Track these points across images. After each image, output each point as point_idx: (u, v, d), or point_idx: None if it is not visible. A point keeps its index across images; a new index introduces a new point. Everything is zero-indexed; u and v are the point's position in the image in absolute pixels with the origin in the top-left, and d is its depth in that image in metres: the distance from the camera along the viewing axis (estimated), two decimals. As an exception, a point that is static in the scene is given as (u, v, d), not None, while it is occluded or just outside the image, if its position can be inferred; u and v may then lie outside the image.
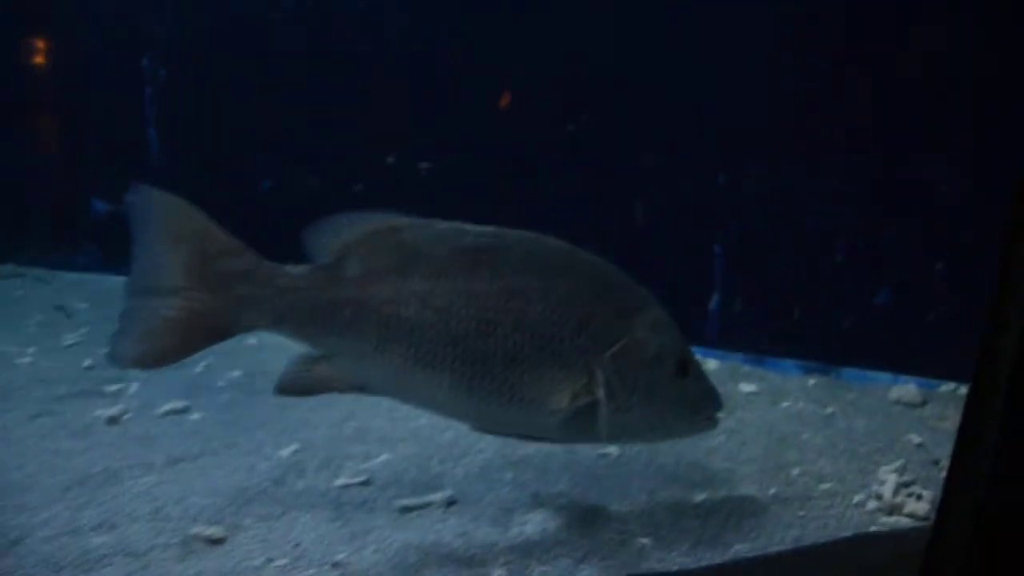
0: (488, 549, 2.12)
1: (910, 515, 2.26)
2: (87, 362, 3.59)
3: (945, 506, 1.61)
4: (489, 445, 2.65)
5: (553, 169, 3.56)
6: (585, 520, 2.25)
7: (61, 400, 3.20)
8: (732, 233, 3.32)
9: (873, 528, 2.21)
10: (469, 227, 2.03)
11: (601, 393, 1.96)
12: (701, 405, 2.10)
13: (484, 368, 1.94)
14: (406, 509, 2.34)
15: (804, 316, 3.24)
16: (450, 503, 2.37)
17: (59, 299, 4.30)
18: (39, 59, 4.43)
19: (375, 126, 3.84)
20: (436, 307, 1.93)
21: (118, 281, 4.47)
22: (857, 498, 2.35)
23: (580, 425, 2.01)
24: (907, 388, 3.05)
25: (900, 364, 3.10)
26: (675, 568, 2.03)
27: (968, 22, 2.82)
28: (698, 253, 3.36)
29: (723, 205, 3.30)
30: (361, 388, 2.04)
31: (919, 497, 2.31)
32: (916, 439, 2.74)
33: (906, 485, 2.40)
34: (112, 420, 2.97)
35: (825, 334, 3.21)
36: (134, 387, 3.29)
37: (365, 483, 2.48)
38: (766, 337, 3.30)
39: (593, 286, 2.01)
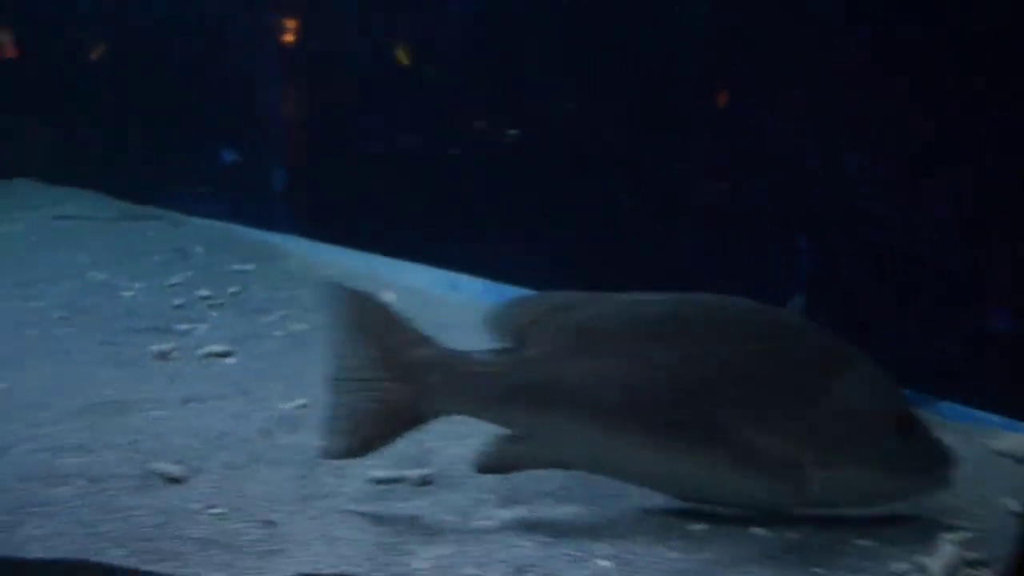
0: (428, 539, 1.91)
1: (965, 607, 1.73)
2: (178, 301, 3.72)
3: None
4: (494, 428, 2.42)
5: (626, 141, 3.25)
6: (552, 528, 1.99)
7: (132, 332, 3.32)
8: (822, 225, 2.85)
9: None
10: (647, 297, 2.02)
11: (807, 459, 1.89)
12: (928, 466, 1.97)
13: (679, 440, 1.92)
14: (376, 481, 2.18)
15: (901, 331, 2.73)
16: (425, 482, 2.19)
17: (182, 241, 4.52)
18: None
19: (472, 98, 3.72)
20: (622, 383, 1.92)
21: (237, 229, 4.69)
22: (897, 567, 1.85)
23: (786, 492, 1.95)
24: (1021, 439, 2.48)
25: (1017, 407, 2.53)
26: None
27: None
28: (781, 245, 2.92)
29: (814, 191, 2.84)
30: (560, 464, 2.04)
31: (987, 586, 1.77)
32: (1013, 505, 2.20)
33: (972, 565, 1.87)
34: (160, 355, 3.03)
35: (925, 357, 2.68)
36: (201, 328, 3.36)
37: (350, 448, 2.35)
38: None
39: (788, 349, 1.96)
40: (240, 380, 2.78)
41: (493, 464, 2.02)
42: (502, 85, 3.61)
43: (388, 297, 3.68)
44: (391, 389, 1.98)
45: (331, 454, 2.03)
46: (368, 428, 2.00)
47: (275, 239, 4.47)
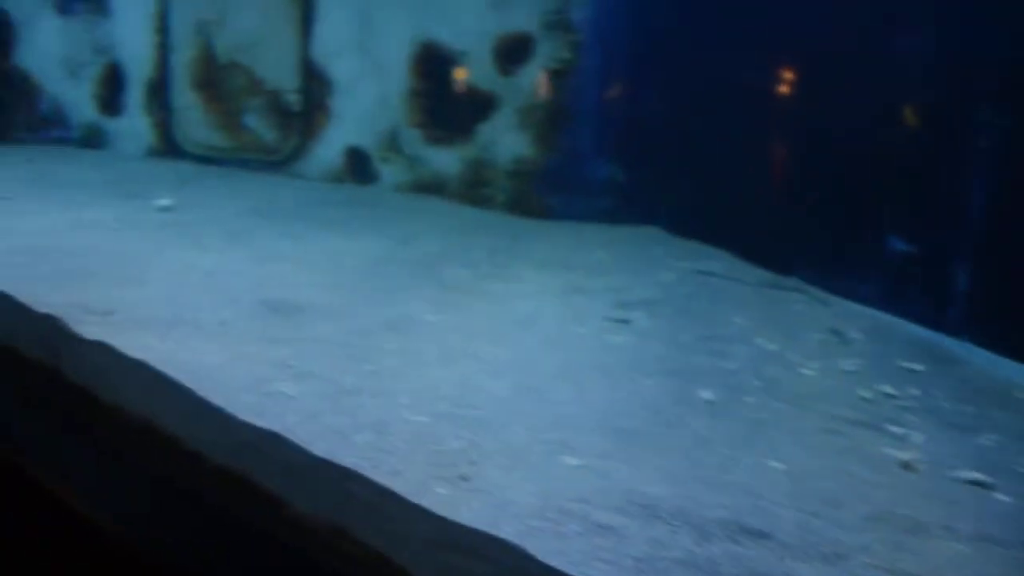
0: None
1: None
2: (861, 392, 3.65)
3: None
4: None
5: None
6: None
7: (847, 423, 3.31)
8: None
9: None
10: None
11: None
12: None
13: None
14: None
15: None
16: None
17: (835, 323, 4.48)
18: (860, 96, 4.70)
19: None
20: None
21: (890, 319, 4.53)
22: None
23: None
24: None
25: None
26: None
27: None
28: None
29: None
30: None
31: None
32: None
33: None
34: (905, 465, 2.96)
35: None
36: (908, 434, 3.24)
37: None
38: None
39: None
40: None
41: None
42: None
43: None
44: None
45: None
46: None
47: (939, 339, 4.24)
